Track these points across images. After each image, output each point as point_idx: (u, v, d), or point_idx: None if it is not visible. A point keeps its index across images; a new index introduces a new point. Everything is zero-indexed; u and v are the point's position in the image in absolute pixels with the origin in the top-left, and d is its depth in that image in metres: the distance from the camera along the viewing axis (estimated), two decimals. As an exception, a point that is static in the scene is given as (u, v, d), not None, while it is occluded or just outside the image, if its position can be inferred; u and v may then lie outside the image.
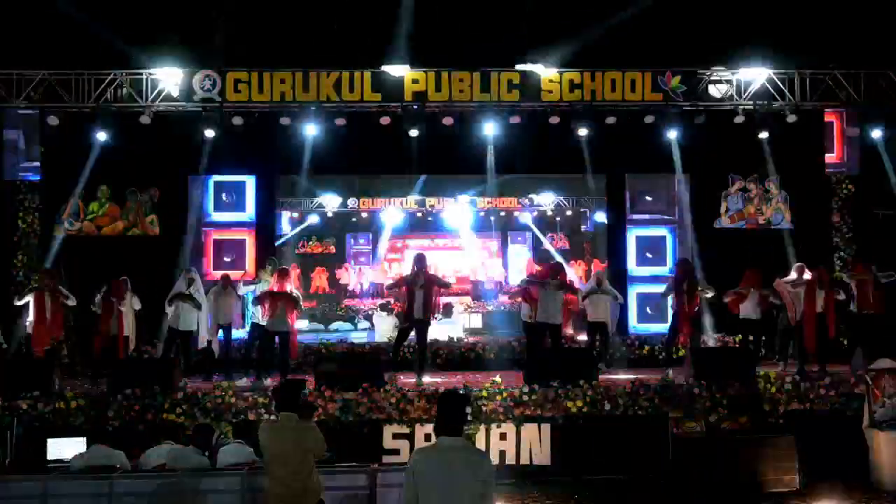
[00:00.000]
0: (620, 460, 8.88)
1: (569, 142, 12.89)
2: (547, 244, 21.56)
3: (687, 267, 11.25)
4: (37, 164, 13.16)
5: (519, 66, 12.56)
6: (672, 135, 12.95)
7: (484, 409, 8.81)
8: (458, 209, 20.92)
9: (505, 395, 8.97)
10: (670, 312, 11.57)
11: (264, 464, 5.68)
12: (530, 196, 20.63)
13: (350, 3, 13.19)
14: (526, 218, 21.86)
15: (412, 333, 10.72)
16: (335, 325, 17.09)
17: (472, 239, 21.86)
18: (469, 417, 6.96)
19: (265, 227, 13.91)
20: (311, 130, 12.59)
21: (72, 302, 10.82)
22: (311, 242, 21.89)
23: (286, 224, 20.32)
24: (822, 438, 8.77)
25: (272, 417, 6.11)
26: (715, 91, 13.04)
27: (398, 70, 12.48)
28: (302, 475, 5.51)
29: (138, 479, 6.54)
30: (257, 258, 13.28)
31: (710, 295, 11.13)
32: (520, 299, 12.52)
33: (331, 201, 20.08)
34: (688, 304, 10.83)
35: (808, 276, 11.01)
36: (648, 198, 14.29)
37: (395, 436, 8.86)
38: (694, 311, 10.96)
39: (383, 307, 15.15)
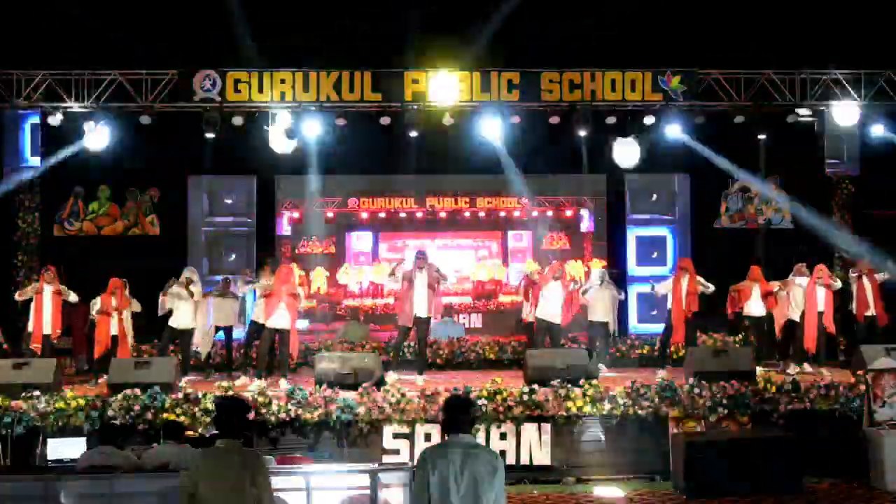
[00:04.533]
0: (620, 460, 8.90)
1: (569, 142, 12.90)
2: (547, 244, 21.56)
3: (686, 266, 11.23)
4: (37, 163, 13.15)
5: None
6: (672, 135, 12.94)
7: (484, 409, 8.81)
8: (458, 209, 20.91)
9: (505, 395, 8.97)
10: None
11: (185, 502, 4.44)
12: (530, 196, 20.61)
13: (350, 3, 13.17)
14: (526, 218, 21.84)
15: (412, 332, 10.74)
16: (335, 324, 17.09)
17: (471, 239, 21.85)
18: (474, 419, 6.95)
19: (265, 227, 13.92)
20: (311, 130, 12.58)
21: (73, 298, 10.85)
22: (311, 242, 21.85)
23: (286, 224, 20.30)
24: (822, 438, 8.79)
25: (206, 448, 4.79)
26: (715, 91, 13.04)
27: None
28: None
29: (138, 479, 6.53)
30: (257, 258, 13.29)
31: (710, 290, 11.09)
32: (520, 299, 12.53)
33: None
34: (686, 304, 10.81)
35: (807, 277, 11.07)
36: (648, 198, 14.31)
37: (395, 436, 8.86)
38: (692, 313, 10.92)
39: (352, 315, 15.02)
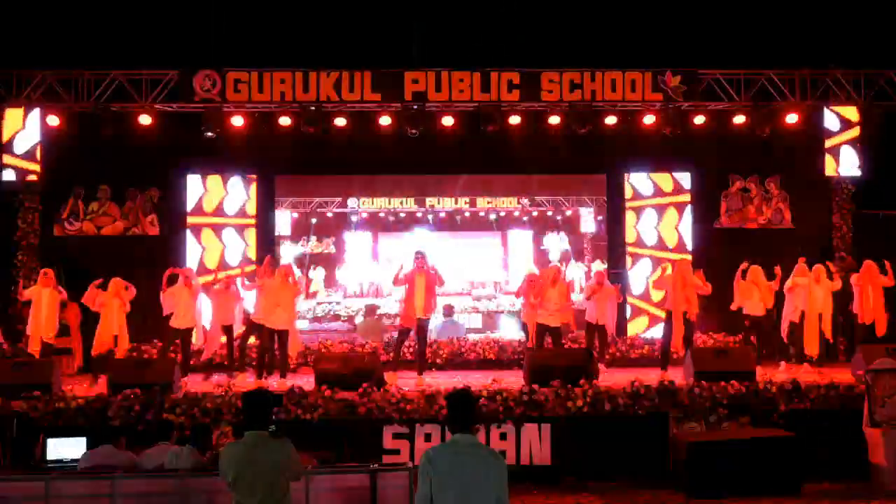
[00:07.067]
0: (620, 460, 8.89)
1: (569, 142, 12.89)
2: (546, 244, 21.57)
3: (683, 268, 11.16)
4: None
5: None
6: (672, 135, 12.91)
7: (484, 409, 8.81)
8: (458, 209, 20.94)
9: (505, 395, 8.97)
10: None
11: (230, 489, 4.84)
12: (530, 196, 20.62)
13: (351, 3, 13.19)
14: (525, 218, 21.86)
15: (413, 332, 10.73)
16: (335, 325, 17.11)
17: (471, 239, 21.87)
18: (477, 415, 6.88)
19: (265, 226, 13.90)
20: (311, 130, 12.56)
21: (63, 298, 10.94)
22: (310, 242, 21.86)
23: (286, 224, 20.32)
24: (822, 438, 8.78)
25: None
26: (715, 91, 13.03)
27: None
28: (272, 501, 4.75)
29: (138, 479, 6.54)
30: (257, 258, 13.27)
31: (707, 292, 11.01)
32: (520, 299, 12.52)
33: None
34: (684, 306, 10.75)
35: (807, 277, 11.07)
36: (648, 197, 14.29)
37: (395, 436, 8.87)
38: (691, 317, 10.84)
39: (369, 311, 15.07)
